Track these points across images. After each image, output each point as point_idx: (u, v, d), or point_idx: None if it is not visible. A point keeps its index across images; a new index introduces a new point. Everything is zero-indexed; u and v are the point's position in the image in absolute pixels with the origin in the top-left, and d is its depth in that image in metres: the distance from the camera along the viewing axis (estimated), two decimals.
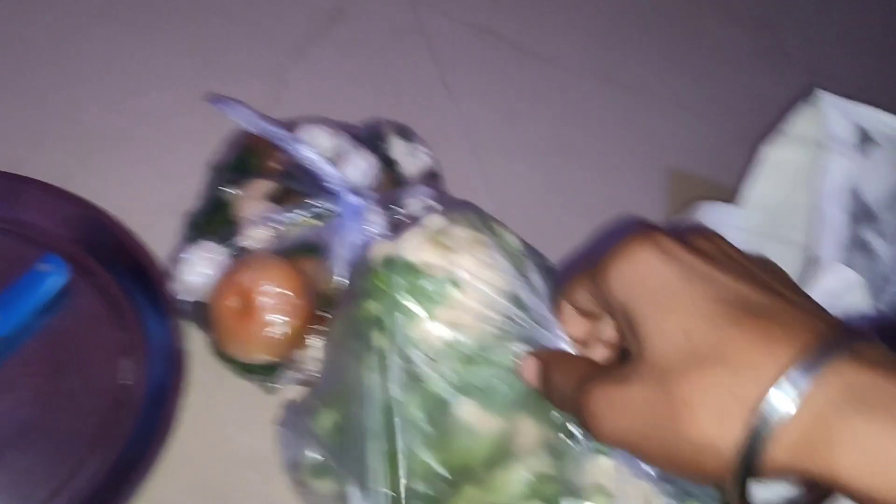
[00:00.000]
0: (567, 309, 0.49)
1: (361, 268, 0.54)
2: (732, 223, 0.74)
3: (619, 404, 0.38)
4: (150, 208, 0.76)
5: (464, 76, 0.97)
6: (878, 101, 0.75)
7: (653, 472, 0.48)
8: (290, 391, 0.66)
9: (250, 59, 0.93)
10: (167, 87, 0.88)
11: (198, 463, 0.63)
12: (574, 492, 0.45)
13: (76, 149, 0.81)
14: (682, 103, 1.00)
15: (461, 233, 0.52)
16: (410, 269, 0.50)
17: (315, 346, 0.65)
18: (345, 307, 0.55)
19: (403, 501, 0.47)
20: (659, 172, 0.92)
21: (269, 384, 0.65)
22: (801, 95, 1.03)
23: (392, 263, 0.50)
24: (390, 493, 0.48)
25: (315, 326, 0.65)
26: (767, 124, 0.99)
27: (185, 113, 0.85)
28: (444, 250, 0.50)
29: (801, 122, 0.76)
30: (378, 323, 0.50)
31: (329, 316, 0.66)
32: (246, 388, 0.66)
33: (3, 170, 0.74)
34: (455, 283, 0.49)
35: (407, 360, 0.49)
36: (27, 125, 0.82)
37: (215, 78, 0.89)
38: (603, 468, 0.47)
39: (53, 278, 0.68)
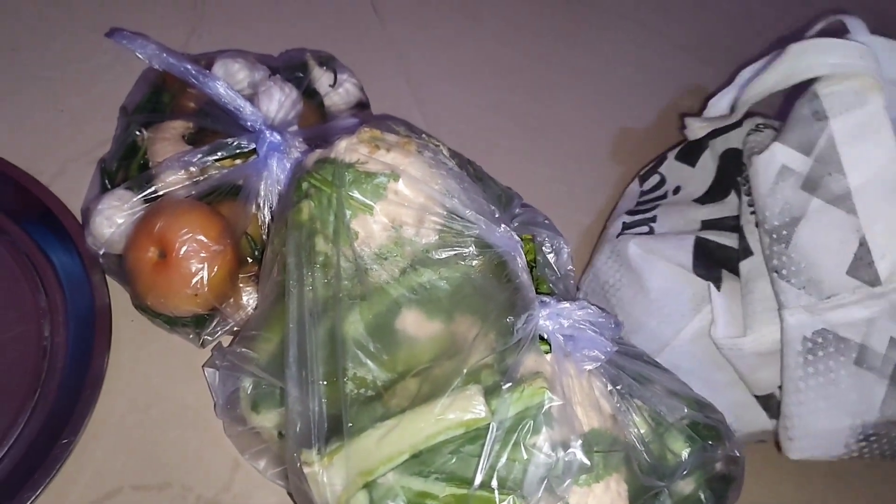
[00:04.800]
0: None
1: (294, 177, 0.52)
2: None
3: None
4: (62, 157, 0.72)
5: None
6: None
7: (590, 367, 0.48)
8: (221, 342, 0.63)
9: None
10: (73, 25, 0.82)
11: (128, 422, 0.60)
12: (512, 378, 0.44)
13: None
14: (627, 14, 0.96)
15: (392, 137, 0.51)
16: (347, 167, 0.49)
17: (244, 293, 0.62)
18: (279, 223, 0.53)
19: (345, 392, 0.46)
20: (603, 89, 0.89)
21: (199, 336, 0.62)
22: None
23: (326, 163, 0.49)
24: (327, 384, 0.47)
25: (242, 273, 0.62)
26: (715, 31, 0.96)
27: (95, 52, 0.80)
28: (378, 151, 0.49)
29: None
30: (319, 226, 0.49)
31: (256, 260, 0.63)
32: (175, 342, 0.63)
33: None
34: (395, 177, 0.48)
35: (355, 257, 0.48)
36: None
37: (127, 12, 0.84)
38: (541, 360, 0.46)
39: None
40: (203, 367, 0.59)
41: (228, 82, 0.66)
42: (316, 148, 0.63)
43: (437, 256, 0.48)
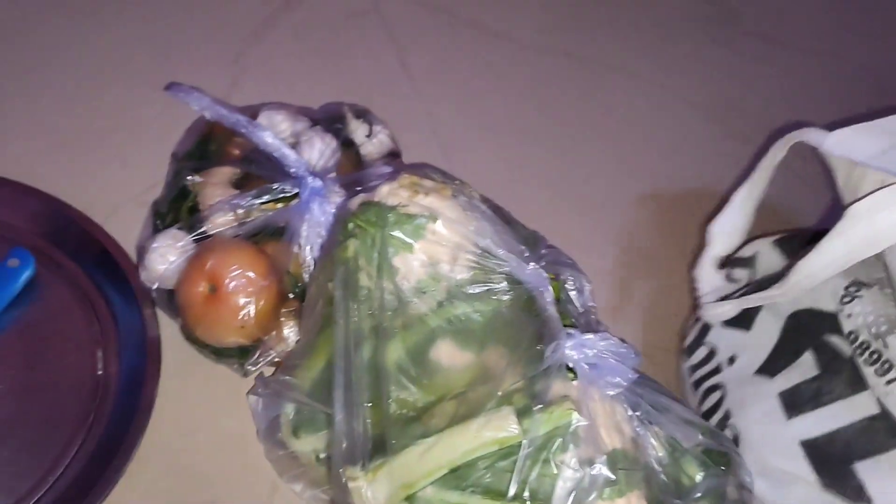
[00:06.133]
0: None
1: (340, 218, 0.57)
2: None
3: None
4: (115, 199, 0.77)
5: (422, 56, 0.98)
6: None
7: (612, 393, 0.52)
8: (263, 372, 0.67)
9: (208, 46, 0.94)
10: (125, 77, 0.89)
11: (175, 447, 0.64)
12: (542, 401, 0.48)
13: (37, 144, 0.82)
14: (640, 75, 1.02)
15: (430, 183, 0.56)
16: (390, 209, 0.54)
17: (286, 327, 0.67)
18: (326, 261, 0.58)
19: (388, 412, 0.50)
20: (620, 146, 0.94)
21: (242, 367, 0.67)
22: (755, 61, 1.06)
23: (371, 206, 0.54)
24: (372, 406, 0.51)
25: (284, 308, 0.67)
26: (727, 92, 1.02)
27: (145, 102, 0.86)
28: (417, 195, 0.54)
29: None
30: (363, 262, 0.53)
31: (296, 297, 0.68)
32: (220, 371, 0.68)
33: None
34: (433, 218, 0.53)
35: (396, 291, 0.52)
36: None
37: (174, 66, 0.90)
38: (567, 385, 0.50)
39: (22, 273, 0.69)
40: (247, 394, 0.64)
41: (273, 131, 0.71)
42: (352, 193, 0.68)
43: (471, 291, 0.52)
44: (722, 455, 0.54)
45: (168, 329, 0.69)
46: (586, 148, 0.93)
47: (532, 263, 0.52)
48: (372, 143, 0.77)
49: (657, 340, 0.76)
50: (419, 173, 0.58)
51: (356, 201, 0.57)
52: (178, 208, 0.72)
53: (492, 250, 0.52)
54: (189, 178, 0.72)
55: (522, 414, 0.47)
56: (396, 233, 0.53)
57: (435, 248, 0.53)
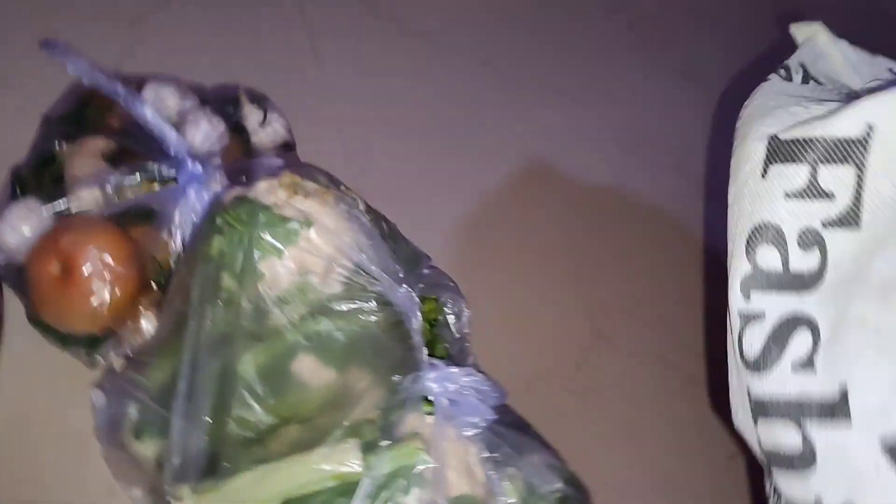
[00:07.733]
0: None
1: (210, 210, 0.53)
2: None
3: None
4: None
5: (337, 46, 0.94)
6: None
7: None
8: (113, 365, 0.62)
9: (103, 3, 0.87)
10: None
11: (5, 438, 0.59)
12: (391, 436, 0.45)
13: None
14: (560, 90, 1.00)
15: (312, 185, 0.52)
16: (263, 208, 0.50)
17: (144, 318, 0.62)
18: (189, 254, 0.54)
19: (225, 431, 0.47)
20: (529, 158, 0.92)
21: (91, 357, 0.61)
22: (672, 87, 1.07)
23: (243, 202, 0.50)
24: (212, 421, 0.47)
25: (144, 297, 0.62)
26: (641, 113, 1.02)
27: (21, 55, 0.78)
28: (296, 197, 0.51)
29: None
30: (227, 262, 0.49)
31: (161, 287, 0.63)
32: (66, 360, 0.62)
33: None
34: (308, 224, 0.49)
35: (257, 298, 0.48)
36: None
37: (60, 19, 0.83)
38: (421, 420, 0.47)
39: None
40: (94, 387, 0.58)
41: (157, 107, 0.66)
42: (236, 183, 0.64)
43: (337, 307, 0.49)
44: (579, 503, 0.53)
45: (14, 309, 0.63)
46: (502, 158, 0.91)
47: (405, 286, 0.49)
48: (265, 131, 0.73)
49: (550, 366, 0.75)
50: (303, 172, 0.54)
51: (230, 195, 0.53)
52: (42, 176, 0.66)
53: (365, 266, 0.49)
54: (57, 143, 0.66)
55: (368, 448, 0.44)
56: (266, 235, 0.49)
57: (306, 257, 0.50)
